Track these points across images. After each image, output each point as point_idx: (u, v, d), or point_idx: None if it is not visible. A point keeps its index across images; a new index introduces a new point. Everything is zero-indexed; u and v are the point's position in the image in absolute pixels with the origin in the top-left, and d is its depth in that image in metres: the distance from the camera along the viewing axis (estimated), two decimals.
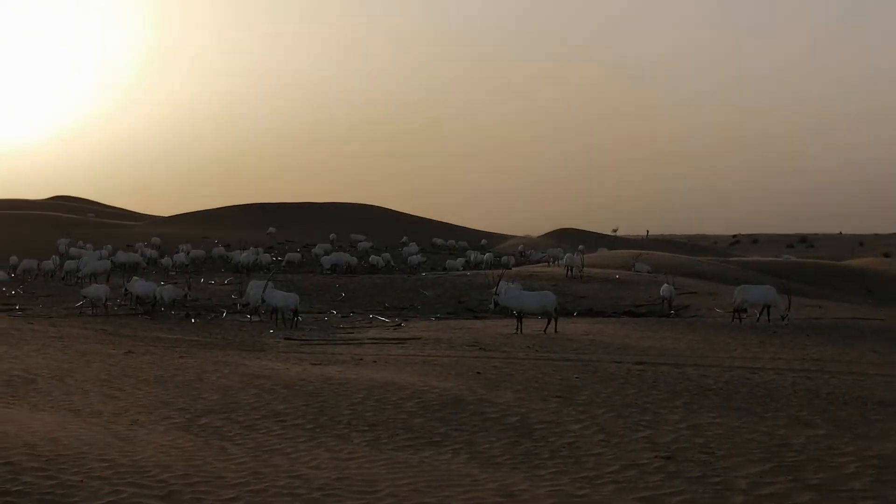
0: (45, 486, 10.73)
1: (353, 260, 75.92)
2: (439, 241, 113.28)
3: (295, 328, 38.44)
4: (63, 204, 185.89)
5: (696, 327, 36.28)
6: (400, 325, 40.74)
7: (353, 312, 47.67)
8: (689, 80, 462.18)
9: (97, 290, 43.52)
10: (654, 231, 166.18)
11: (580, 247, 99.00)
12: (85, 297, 43.57)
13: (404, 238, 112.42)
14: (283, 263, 79.64)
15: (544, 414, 16.06)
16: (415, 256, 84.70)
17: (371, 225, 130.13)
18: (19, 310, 44.78)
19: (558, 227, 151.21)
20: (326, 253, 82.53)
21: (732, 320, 38.78)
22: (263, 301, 40.60)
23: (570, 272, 62.85)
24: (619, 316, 46.58)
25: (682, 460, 12.76)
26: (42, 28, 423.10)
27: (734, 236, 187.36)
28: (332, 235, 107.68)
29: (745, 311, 39.85)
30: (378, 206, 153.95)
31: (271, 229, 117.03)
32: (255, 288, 43.25)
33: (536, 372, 22.11)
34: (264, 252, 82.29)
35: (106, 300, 42.94)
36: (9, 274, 64.67)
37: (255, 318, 41.42)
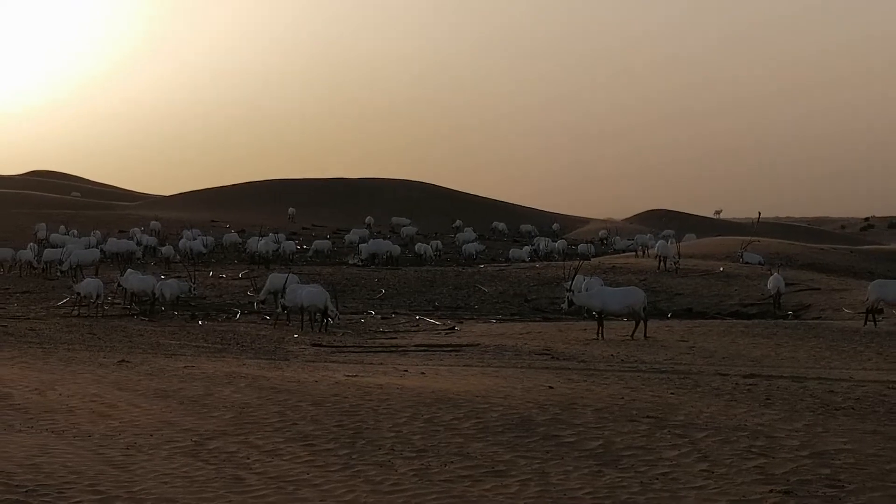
0: None
1: (396, 248, 76.00)
2: (500, 225, 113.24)
3: (325, 332, 38.57)
4: (42, 181, 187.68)
5: (820, 332, 36.02)
6: (453, 328, 40.79)
7: (395, 313, 47.78)
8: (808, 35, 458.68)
9: (90, 284, 43.65)
10: (767, 214, 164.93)
11: (665, 232, 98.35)
12: (77, 293, 43.79)
13: (458, 222, 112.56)
14: (310, 253, 79.97)
15: (633, 438, 16.00)
16: (471, 245, 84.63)
17: (417, 206, 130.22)
18: None
19: (648, 209, 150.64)
20: (363, 240, 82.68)
21: (865, 323, 38.43)
22: (283, 298, 40.69)
23: (662, 264, 62.57)
24: (724, 318, 46.36)
25: (803, 496, 12.67)
26: None
27: (866, 219, 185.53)
28: (368, 219, 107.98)
29: (881, 311, 39.48)
30: (425, 184, 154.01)
31: (292, 210, 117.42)
32: (276, 283, 43.45)
33: (622, 386, 22.04)
34: (287, 239, 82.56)
35: (98, 297, 43.19)
36: None
37: (281, 319, 41.43)
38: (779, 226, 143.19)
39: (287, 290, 40.80)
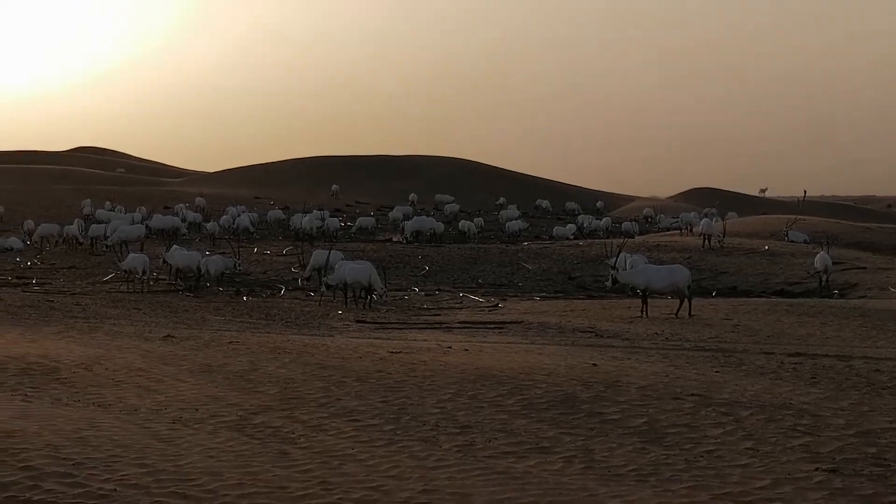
0: (72, 494, 10.93)
1: (439, 226, 76.06)
2: (544, 203, 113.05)
3: (368, 308, 38.65)
4: (87, 157, 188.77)
5: (866, 311, 35.79)
6: (497, 305, 40.82)
7: (438, 290, 47.85)
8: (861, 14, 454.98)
9: (136, 259, 43.85)
10: (813, 192, 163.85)
11: (707, 210, 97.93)
12: (124, 270, 44.02)
13: (501, 199, 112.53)
14: (354, 230, 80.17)
15: (677, 416, 15.99)
16: (514, 222, 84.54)
17: (460, 183, 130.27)
18: (36, 284, 45.57)
19: (692, 187, 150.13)
20: (406, 217, 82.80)
21: None
22: (326, 275, 40.73)
23: (707, 242, 62.33)
24: (769, 296, 46.17)
25: (849, 474, 12.63)
26: None
27: None
28: (412, 196, 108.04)
29: None
30: (469, 161, 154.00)
31: (335, 187, 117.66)
32: (320, 259, 43.57)
33: (666, 364, 22.01)
34: (331, 216, 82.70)
35: (144, 273, 43.40)
36: (24, 241, 65.74)
37: (326, 296, 41.44)
38: (824, 204, 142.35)
39: (332, 267, 40.91)
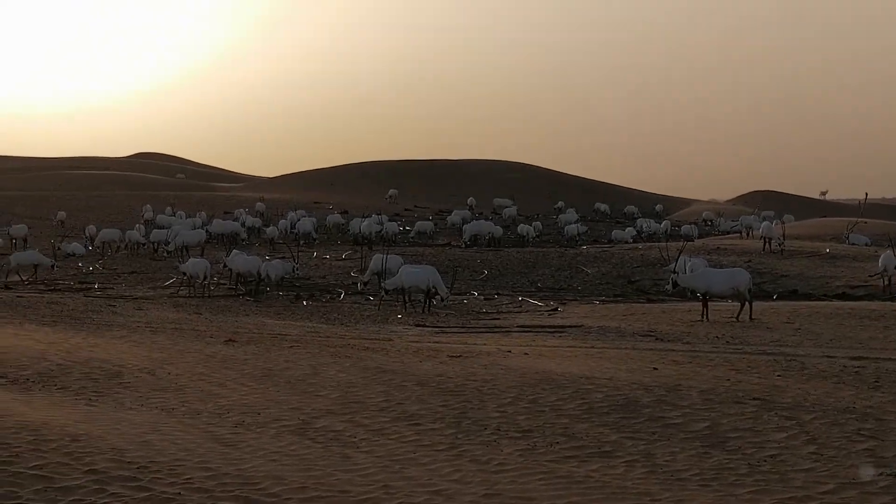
0: (137, 498, 11.03)
1: (498, 230, 76.02)
2: (603, 206, 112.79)
3: (427, 312, 38.69)
4: (147, 163, 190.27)
5: None
6: (556, 309, 40.73)
7: (497, 294, 47.81)
8: None
9: (197, 264, 44.15)
10: (874, 194, 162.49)
11: (765, 213, 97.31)
12: (183, 273, 44.33)
13: (560, 203, 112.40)
14: (412, 234, 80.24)
15: (739, 420, 15.90)
16: (573, 226, 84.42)
17: (519, 187, 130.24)
18: (98, 289, 45.97)
19: (751, 190, 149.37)
20: (465, 221, 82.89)
21: None
22: (384, 280, 40.83)
23: (767, 245, 61.97)
24: (831, 299, 45.79)
25: None
26: None
27: None
28: (470, 200, 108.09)
29: None
30: (527, 164, 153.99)
31: (392, 192, 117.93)
32: (379, 264, 43.69)
33: (727, 368, 21.90)
34: (389, 220, 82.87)
35: (205, 277, 43.68)
36: (85, 246, 66.35)
37: (386, 300, 41.50)
38: (886, 207, 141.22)
39: (390, 271, 41.02)
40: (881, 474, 12.71)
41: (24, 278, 49.72)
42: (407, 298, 40.25)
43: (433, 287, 40.01)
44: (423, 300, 39.93)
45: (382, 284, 41.08)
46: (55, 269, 52.30)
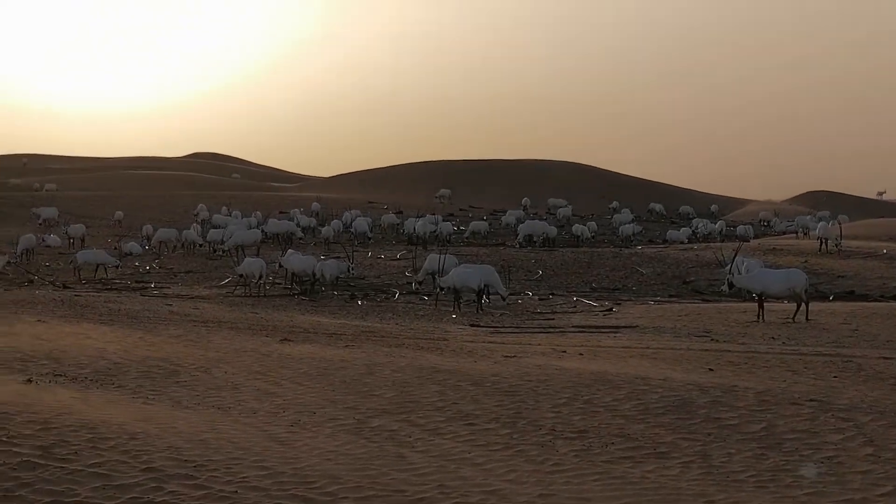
0: (195, 496, 11.07)
1: (553, 230, 75.88)
2: (658, 207, 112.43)
3: (481, 312, 38.67)
4: (203, 163, 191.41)
5: None
6: (611, 309, 40.65)
7: (552, 294, 47.76)
8: None
9: (252, 264, 44.33)
10: None
11: (821, 213, 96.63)
12: (241, 274, 44.53)
13: (614, 203, 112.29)
14: (467, 234, 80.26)
15: (796, 421, 15.80)
16: (628, 226, 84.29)
17: (573, 187, 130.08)
18: (155, 288, 46.27)
19: (808, 190, 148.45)
20: (519, 221, 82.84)
21: None
22: (440, 279, 40.86)
23: (824, 246, 61.56)
24: (888, 300, 45.44)
25: None
26: None
27: None
28: (525, 200, 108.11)
29: None
30: (582, 164, 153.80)
31: (443, 192, 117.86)
32: (434, 263, 43.72)
33: (783, 369, 21.78)
34: (444, 220, 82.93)
35: (261, 277, 43.87)
36: (142, 246, 66.82)
37: (442, 299, 41.52)
38: None
39: (445, 271, 41.05)
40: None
41: (81, 278, 50.19)
42: (459, 298, 40.25)
43: (491, 286, 40.12)
44: (475, 300, 39.92)
45: (437, 283, 41.13)
46: (119, 268, 52.82)
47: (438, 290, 41.00)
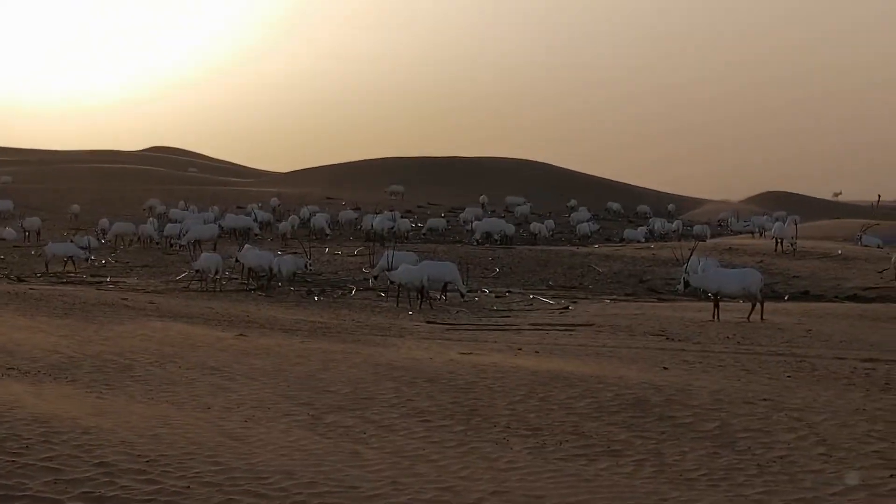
0: (146, 491, 11.02)
1: (510, 228, 76.01)
2: (615, 205, 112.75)
3: (425, 307, 38.65)
4: (159, 156, 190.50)
5: None
6: (567, 308, 40.71)
7: (509, 291, 47.79)
8: None
9: (209, 259, 44.22)
10: (888, 196, 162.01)
11: (777, 214, 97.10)
12: (197, 269, 44.38)
13: (572, 202, 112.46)
14: (425, 230, 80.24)
15: (749, 420, 15.88)
16: (585, 224, 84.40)
17: (531, 185, 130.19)
18: (110, 282, 46.02)
19: (764, 191, 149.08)
20: (477, 219, 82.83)
21: None
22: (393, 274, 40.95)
23: (779, 246, 61.87)
24: (842, 301, 45.70)
25: None
26: None
27: None
28: (482, 198, 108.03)
29: None
30: (540, 163, 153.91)
31: (395, 187, 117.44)
32: (386, 259, 43.82)
33: (738, 368, 21.89)
34: (402, 217, 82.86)
35: (217, 272, 43.74)
36: (98, 239, 66.42)
37: (401, 296, 41.55)
38: None
39: (395, 267, 41.16)
40: (892, 476, 12.68)
41: (49, 270, 50.04)
42: (408, 293, 40.32)
43: (451, 283, 40.33)
44: (418, 296, 39.87)
45: (388, 276, 41.24)
46: (89, 262, 52.79)
47: (390, 282, 41.32)
